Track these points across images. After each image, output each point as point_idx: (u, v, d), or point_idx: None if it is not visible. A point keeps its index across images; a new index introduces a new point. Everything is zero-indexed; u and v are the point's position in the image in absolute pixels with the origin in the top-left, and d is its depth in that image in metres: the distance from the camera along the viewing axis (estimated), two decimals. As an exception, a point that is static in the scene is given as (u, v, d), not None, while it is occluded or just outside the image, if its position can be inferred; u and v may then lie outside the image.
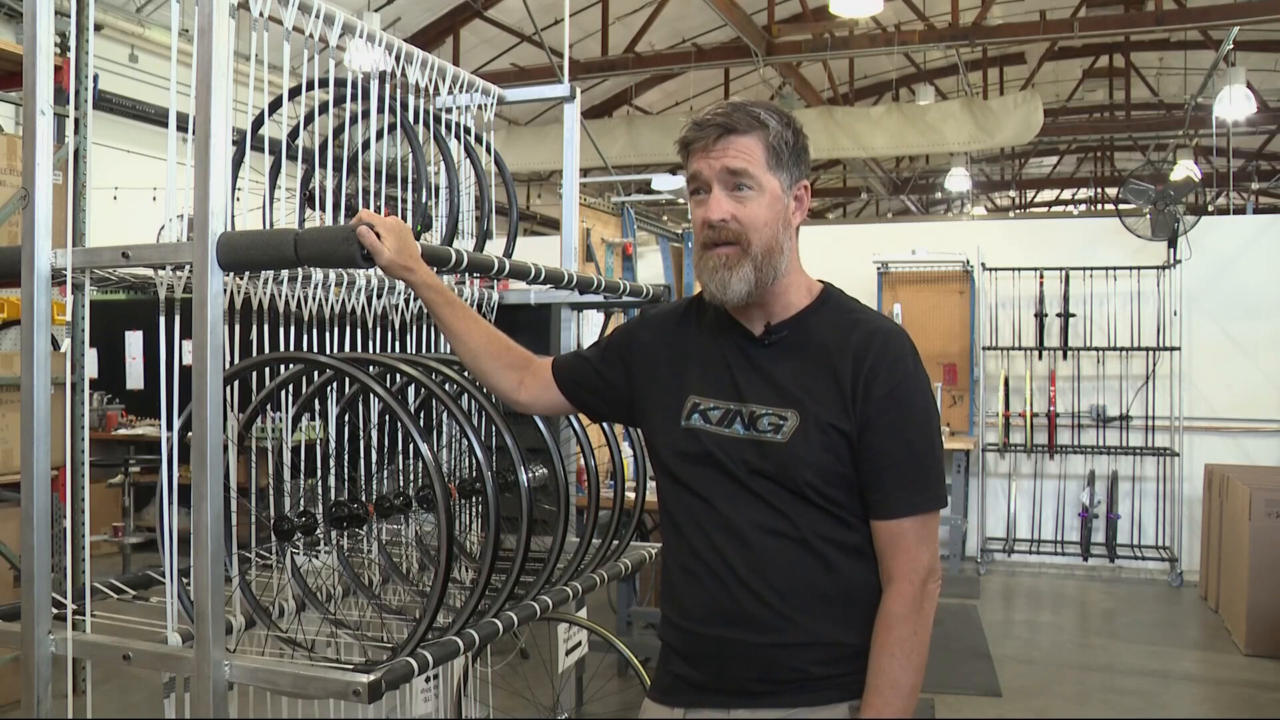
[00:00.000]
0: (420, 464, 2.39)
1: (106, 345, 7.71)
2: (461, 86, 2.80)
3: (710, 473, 1.64)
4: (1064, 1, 10.69)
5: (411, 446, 2.35)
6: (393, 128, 2.51)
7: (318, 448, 2.23)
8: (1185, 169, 10.29)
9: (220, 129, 1.76)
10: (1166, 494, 7.31)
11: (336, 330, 2.36)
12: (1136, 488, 7.40)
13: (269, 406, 2.20)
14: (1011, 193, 18.42)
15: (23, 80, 1.97)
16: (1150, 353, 7.27)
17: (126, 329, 7.84)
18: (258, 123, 2.38)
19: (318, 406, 2.28)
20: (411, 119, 2.52)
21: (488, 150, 2.91)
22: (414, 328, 2.64)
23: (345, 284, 2.37)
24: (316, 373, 2.21)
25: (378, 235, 1.76)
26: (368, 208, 2.37)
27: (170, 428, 1.93)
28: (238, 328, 2.08)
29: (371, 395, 2.30)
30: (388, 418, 2.39)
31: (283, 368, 2.18)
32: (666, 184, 6.26)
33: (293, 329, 2.23)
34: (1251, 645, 5.30)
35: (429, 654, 1.87)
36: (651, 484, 2.01)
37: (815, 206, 20.47)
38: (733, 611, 1.61)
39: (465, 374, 2.22)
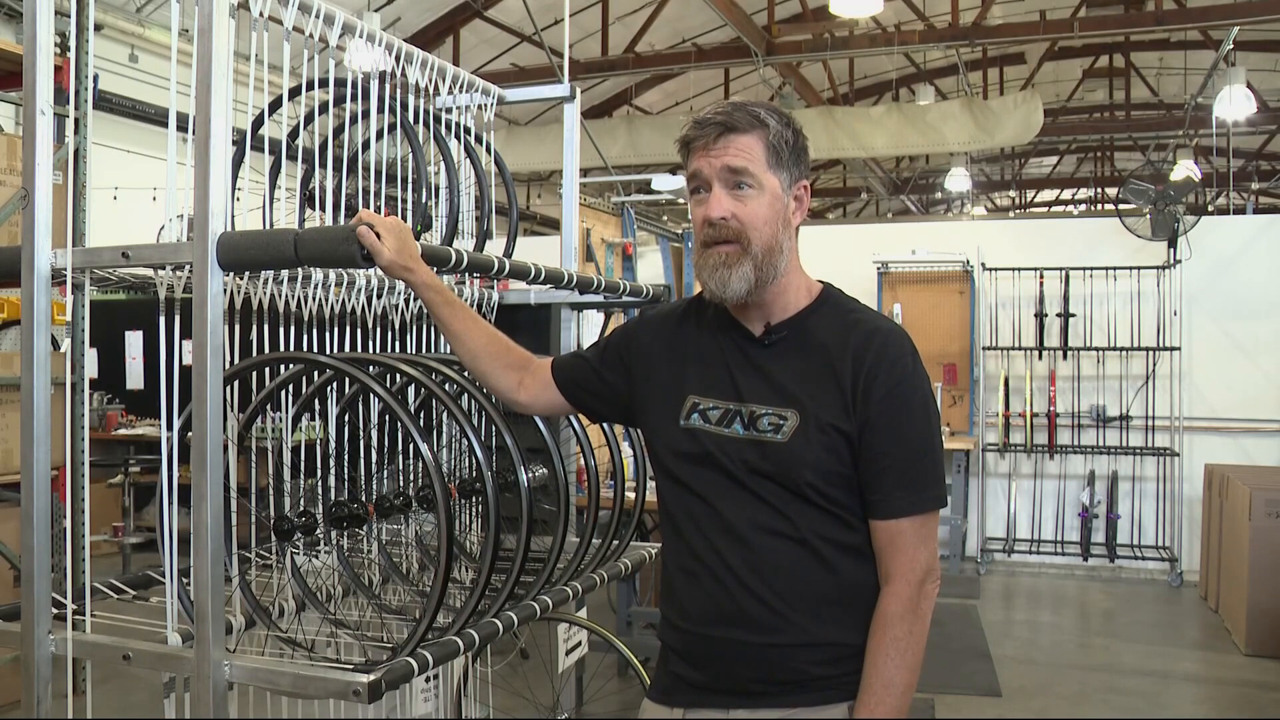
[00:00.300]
0: (420, 464, 2.39)
1: (106, 345, 7.71)
2: (461, 86, 2.80)
3: (709, 473, 1.64)
4: (1064, 1, 10.69)
5: (411, 446, 2.35)
6: (393, 128, 2.51)
7: (318, 448, 2.23)
8: (1185, 169, 10.30)
9: (220, 129, 1.76)
10: (1166, 494, 7.31)
11: (336, 330, 2.36)
12: (1136, 488, 7.40)
13: (269, 406, 2.20)
14: (1011, 193, 18.42)
15: (23, 80, 1.96)
16: (1150, 353, 7.27)
17: (126, 329, 7.84)
18: (258, 123, 2.38)
19: (318, 406, 2.28)
20: (411, 119, 2.51)
21: (488, 150, 2.91)
22: (414, 328, 2.64)
23: (345, 284, 2.37)
24: (316, 373, 2.21)
25: (377, 235, 1.76)
26: (368, 208, 2.37)
27: (170, 428, 1.93)
28: (238, 328, 2.08)
29: (371, 395, 2.30)
30: (388, 418, 2.39)
31: (283, 368, 2.18)
32: (666, 184, 6.26)
33: (293, 329, 2.23)
34: (1251, 645, 5.30)
35: (429, 654, 1.87)
36: (651, 484, 2.01)
37: (815, 206, 20.47)
38: (732, 612, 1.61)
39: (465, 374, 2.22)
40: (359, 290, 2.41)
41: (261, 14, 2.10)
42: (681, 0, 10.44)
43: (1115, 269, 7.27)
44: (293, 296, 2.22)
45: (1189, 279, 7.13)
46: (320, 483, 2.22)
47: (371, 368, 2.09)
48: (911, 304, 7.66)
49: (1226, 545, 5.97)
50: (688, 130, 1.64)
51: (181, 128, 1.88)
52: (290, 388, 2.24)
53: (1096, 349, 7.35)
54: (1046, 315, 7.35)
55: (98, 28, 7.99)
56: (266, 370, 2.16)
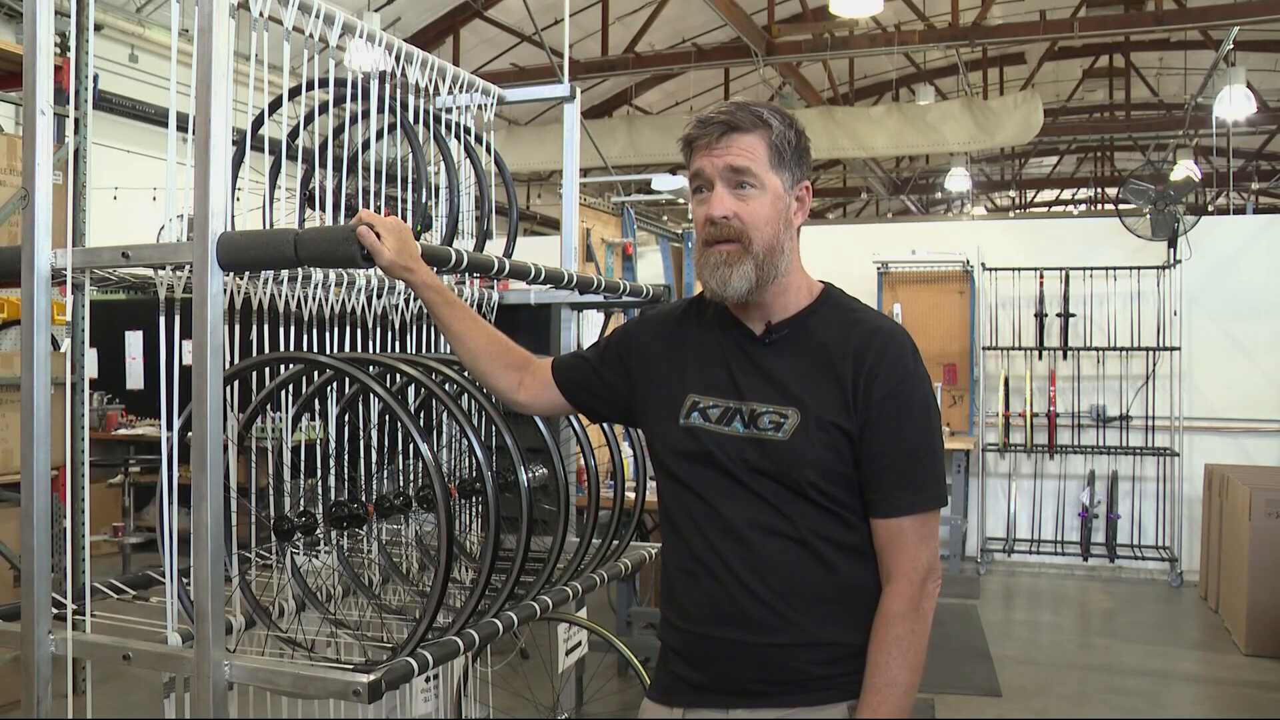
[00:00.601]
0: (420, 464, 2.39)
1: (106, 345, 7.71)
2: (461, 86, 2.80)
3: (709, 472, 1.64)
4: (1064, 1, 10.69)
5: (411, 446, 2.35)
6: (393, 128, 2.51)
7: (318, 448, 2.23)
8: (1185, 169, 10.30)
9: (220, 129, 1.76)
10: (1166, 494, 7.31)
11: (336, 330, 2.35)
12: (1136, 488, 7.40)
13: (269, 406, 2.20)
14: (1011, 193, 18.42)
15: (23, 80, 1.96)
16: (1150, 353, 7.27)
17: (126, 329, 7.85)
18: (258, 123, 2.38)
19: (318, 406, 2.28)
20: (411, 119, 2.51)
21: (488, 150, 2.91)
22: (414, 328, 2.64)
23: (345, 284, 2.37)
24: (316, 373, 2.21)
25: (378, 235, 1.76)
26: (368, 208, 2.37)
27: (170, 428, 1.93)
28: (238, 328, 2.08)
29: (371, 395, 2.30)
30: (388, 418, 2.39)
31: (283, 368, 2.18)
32: (666, 184, 6.26)
33: (293, 329, 2.23)
34: (1251, 645, 5.30)
35: (429, 654, 1.87)
36: (652, 484, 2.01)
37: (815, 206, 20.43)
38: (731, 612, 1.61)
39: (465, 374, 2.22)
40: (359, 290, 2.41)
41: (261, 14, 2.10)
42: (681, 0, 10.44)
43: (1115, 269, 7.27)
44: (293, 296, 2.22)
45: (1189, 279, 7.13)
46: (320, 483, 2.22)
47: (371, 368, 2.09)
48: (911, 304, 7.66)
49: (1226, 545, 5.97)
50: (691, 129, 1.64)
51: (181, 128, 1.88)
52: (290, 388, 2.23)
53: (1096, 349, 7.35)
54: (1046, 315, 7.35)
55: (98, 28, 7.99)
56: (266, 370, 2.16)
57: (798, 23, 10.12)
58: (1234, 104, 9.84)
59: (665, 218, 7.45)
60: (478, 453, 2.07)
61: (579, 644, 2.99)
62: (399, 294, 2.55)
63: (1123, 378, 7.40)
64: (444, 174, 2.63)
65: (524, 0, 6.54)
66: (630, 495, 2.70)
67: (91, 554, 2.56)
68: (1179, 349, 7.17)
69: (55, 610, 1.98)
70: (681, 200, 6.57)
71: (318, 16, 2.24)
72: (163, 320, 1.94)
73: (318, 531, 2.18)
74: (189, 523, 1.77)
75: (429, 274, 1.85)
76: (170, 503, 1.90)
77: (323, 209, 2.42)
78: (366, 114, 2.45)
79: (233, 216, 2.08)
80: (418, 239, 1.96)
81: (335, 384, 2.30)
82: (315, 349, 2.27)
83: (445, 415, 2.50)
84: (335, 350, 2.36)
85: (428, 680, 2.56)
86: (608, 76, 11.22)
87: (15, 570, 4.00)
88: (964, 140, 10.28)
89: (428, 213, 2.60)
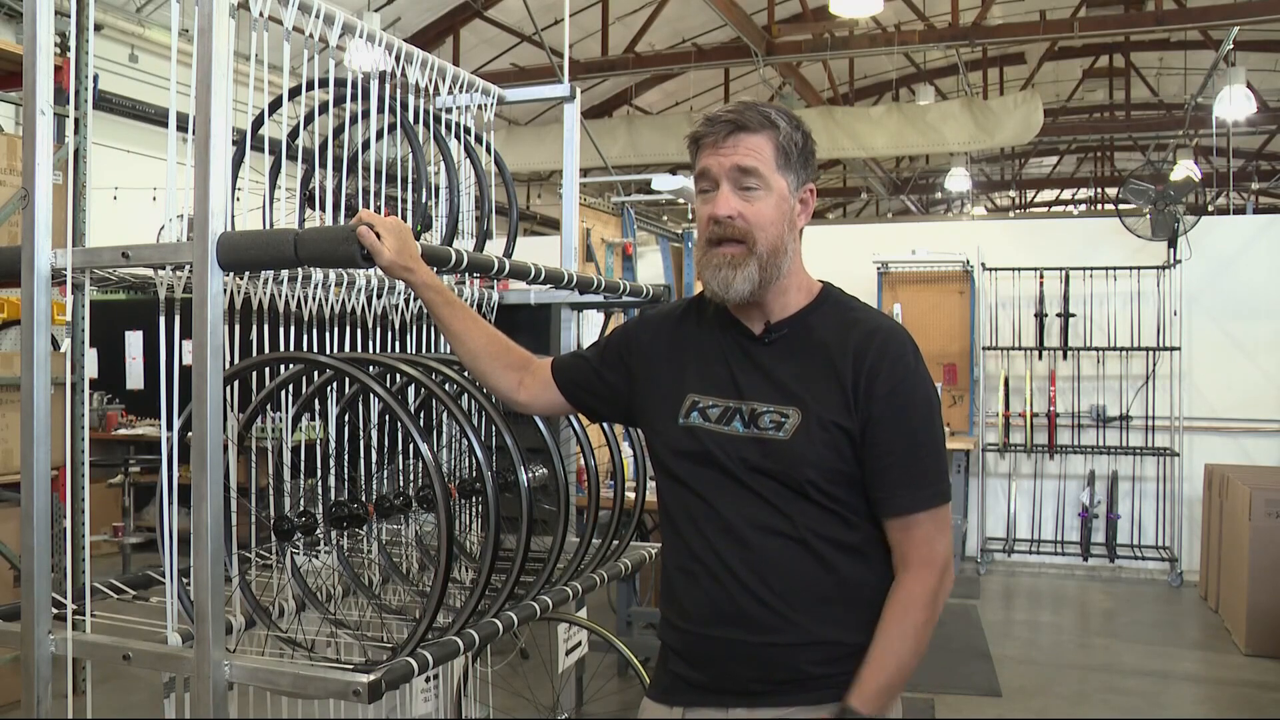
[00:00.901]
0: (420, 464, 2.39)
1: (106, 345, 7.71)
2: (461, 86, 2.80)
3: (709, 471, 1.64)
4: (1064, 1, 10.69)
5: (411, 446, 2.35)
6: (393, 128, 2.51)
7: (318, 448, 2.23)
8: (1185, 169, 10.30)
9: (220, 129, 1.76)
10: (1166, 494, 7.31)
11: (336, 330, 2.36)
12: (1136, 488, 7.40)
13: (269, 406, 2.20)
14: (1011, 193, 18.42)
15: (23, 80, 1.96)
16: (1150, 353, 7.27)
17: (126, 329, 7.84)
18: (258, 123, 2.38)
19: (318, 406, 2.28)
20: (411, 119, 2.51)
21: (488, 150, 2.91)
22: (414, 328, 2.64)
23: (345, 284, 2.37)
24: (316, 373, 2.21)
25: (377, 235, 1.76)
26: (368, 208, 2.37)
27: (170, 428, 1.93)
28: (238, 328, 2.08)
29: (371, 395, 2.30)
30: (388, 418, 2.39)
31: (283, 368, 2.18)
32: (666, 184, 6.26)
33: (293, 329, 2.23)
34: (1251, 645, 5.30)
35: (429, 654, 1.87)
36: (652, 484, 2.01)
37: (815, 206, 20.43)
38: (731, 612, 1.61)
39: (465, 374, 2.22)
40: (359, 290, 2.41)
41: (261, 14, 2.10)
42: (681, 0, 10.44)
43: (1115, 269, 7.27)
44: (293, 296, 2.22)
45: (1189, 279, 7.13)
46: (320, 483, 2.22)
47: (371, 368, 2.09)
48: (911, 304, 7.65)
49: (1226, 545, 5.97)
50: (698, 127, 1.64)
51: (181, 128, 1.88)
52: (290, 388, 2.23)
53: (1096, 349, 7.35)
54: (1046, 315, 7.35)
55: (98, 28, 7.99)
56: (266, 370, 2.16)
57: (798, 23, 10.12)
58: (1234, 104, 9.84)
59: (665, 218, 7.45)
60: (478, 453, 2.07)
61: (579, 644, 2.99)
62: (399, 294, 2.55)
63: (1123, 378, 7.40)
64: (444, 174, 2.63)
65: (524, 0, 6.54)
66: (630, 495, 2.70)
67: (91, 554, 2.56)
68: (1179, 349, 7.17)
69: (55, 610, 1.98)
70: (681, 200, 6.57)
71: (318, 16, 2.24)
72: (163, 320, 1.94)
73: (318, 531, 2.18)
74: (189, 523, 1.77)
75: (429, 274, 1.85)
76: (170, 503, 1.90)
77: (323, 209, 2.42)
78: (366, 114, 2.45)
79: (233, 216, 2.08)
80: (418, 239, 1.96)
81: (335, 384, 2.30)
82: (315, 349, 2.27)
83: (445, 415, 2.50)
84: (335, 350, 2.36)
85: (428, 680, 2.56)
86: (608, 76, 11.22)
87: (15, 570, 4.00)
88: (964, 140, 10.27)
89: (428, 213, 2.60)
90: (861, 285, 7.62)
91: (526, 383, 1.89)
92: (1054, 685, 4.85)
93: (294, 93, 2.36)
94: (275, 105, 2.38)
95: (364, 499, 2.31)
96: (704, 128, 1.63)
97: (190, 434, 1.79)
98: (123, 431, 7.35)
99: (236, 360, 2.08)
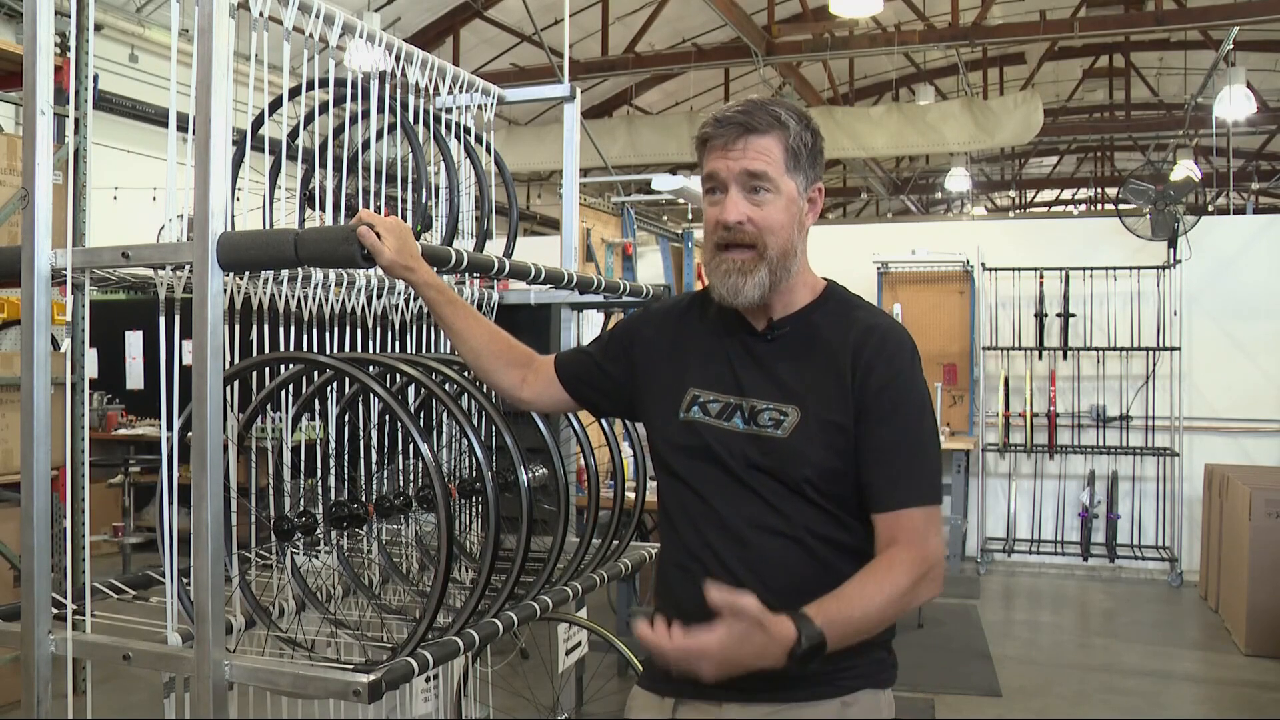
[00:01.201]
0: (420, 464, 2.39)
1: (106, 345, 7.71)
2: (461, 86, 2.80)
3: (707, 467, 1.64)
4: (1064, 1, 10.69)
5: (411, 446, 2.35)
6: (393, 128, 2.51)
7: (318, 448, 2.23)
8: (1185, 169, 10.30)
9: (220, 129, 1.76)
10: (1166, 494, 7.31)
11: (336, 330, 2.36)
12: (1136, 488, 7.40)
13: (269, 406, 2.20)
14: (1011, 193, 18.42)
15: (23, 80, 1.97)
16: (1150, 353, 7.27)
17: (126, 329, 7.84)
18: (258, 123, 2.38)
19: (318, 406, 2.28)
20: (411, 119, 2.51)
21: (488, 150, 2.91)
22: (414, 328, 2.64)
23: (345, 284, 2.37)
24: (316, 373, 2.21)
25: (378, 235, 1.76)
26: (368, 208, 2.37)
27: (170, 428, 1.93)
28: (238, 328, 2.08)
29: (371, 395, 2.30)
30: (388, 418, 2.39)
31: (283, 368, 2.18)
32: (666, 184, 6.26)
33: (293, 329, 2.23)
34: (1251, 645, 5.29)
35: (429, 654, 1.87)
36: (652, 484, 2.01)
37: (815, 206, 20.45)
38: None
39: (465, 374, 2.22)
40: (359, 290, 2.41)
41: (261, 14, 2.10)
42: (681, 0, 10.44)
43: (1115, 269, 7.27)
44: (293, 296, 2.22)
45: (1189, 279, 7.13)
46: (320, 483, 2.22)
47: (371, 368, 2.09)
48: (911, 304, 7.65)
49: (1226, 545, 5.97)
50: (706, 128, 1.62)
51: (181, 128, 1.88)
52: (290, 388, 2.24)
53: (1096, 349, 7.35)
54: (1046, 315, 7.35)
55: (98, 28, 7.98)
56: (266, 370, 2.16)
57: (798, 23, 10.12)
58: (1234, 104, 9.84)
59: (665, 218, 7.45)
60: (478, 453, 2.07)
61: (579, 644, 2.99)
62: (399, 294, 2.55)
63: (1123, 378, 7.40)
64: (444, 174, 2.63)
65: (524, 0, 6.54)
66: (630, 495, 2.70)
67: (91, 554, 2.55)
68: (1179, 349, 7.18)
69: (55, 610, 1.98)
70: (681, 200, 6.57)
71: (318, 16, 2.24)
72: (163, 320, 1.94)
73: (318, 531, 2.18)
74: (189, 523, 1.77)
75: (430, 273, 1.84)
76: (170, 503, 1.90)
77: (323, 209, 2.42)
78: (366, 114, 2.45)
79: (233, 216, 2.08)
80: (418, 239, 1.96)
81: (335, 384, 2.30)
82: (315, 349, 2.27)
83: (445, 415, 2.50)
84: (335, 350, 2.36)
85: (428, 680, 2.56)
86: (608, 76, 11.22)
87: (15, 570, 4.00)
88: (964, 140, 10.27)
89: (428, 213, 2.60)
90: (861, 285, 7.61)
91: (530, 380, 1.89)
92: (1054, 685, 4.85)
93: (294, 93, 2.36)
94: (275, 105, 2.38)
95: (364, 499, 2.31)
96: (712, 129, 1.61)
97: (190, 434, 1.79)
98: (123, 431, 7.35)
99: (236, 360, 2.08)
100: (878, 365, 1.58)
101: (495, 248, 2.81)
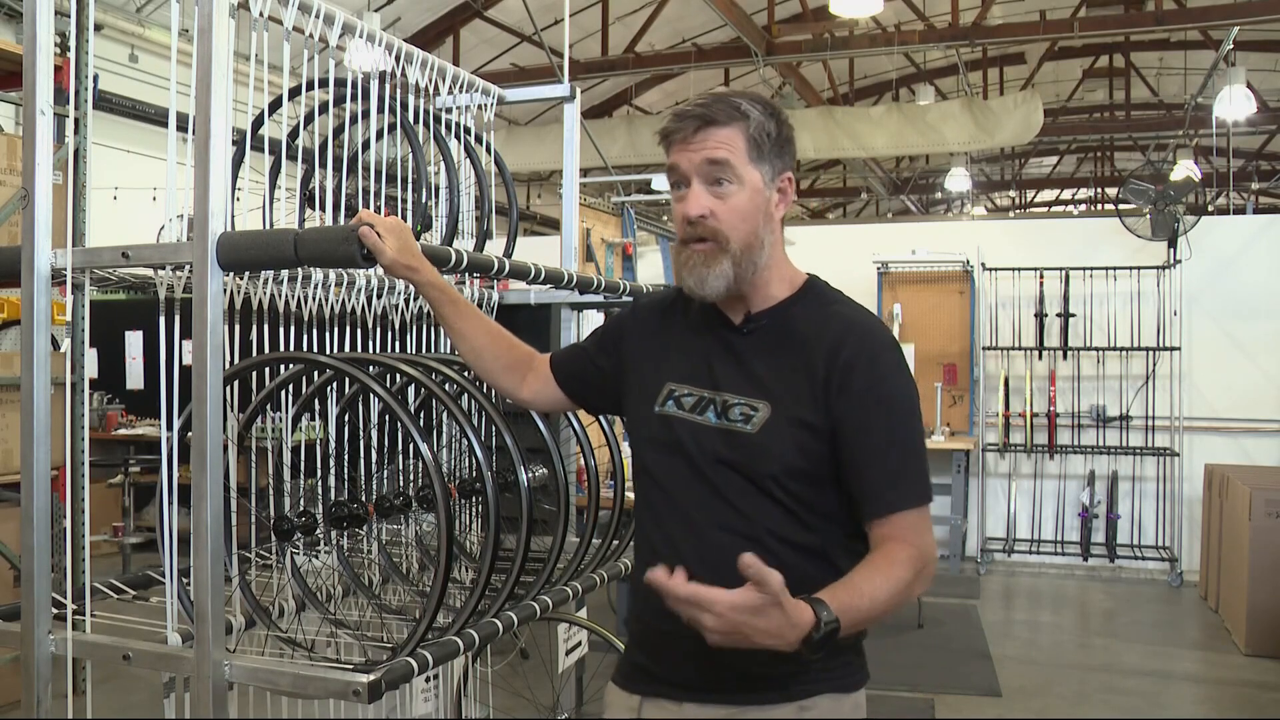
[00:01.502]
0: (420, 464, 2.39)
1: (106, 345, 7.71)
2: (461, 86, 2.80)
3: (676, 461, 1.63)
4: (1064, 1, 10.68)
5: (411, 446, 2.35)
6: (393, 128, 2.51)
7: (318, 448, 2.23)
8: (1185, 169, 10.30)
9: (220, 129, 1.76)
10: (1166, 494, 7.31)
11: (336, 330, 2.36)
12: (1136, 488, 7.40)
13: (269, 406, 2.20)
14: (1011, 193, 18.41)
15: (23, 80, 1.97)
16: (1150, 353, 7.27)
17: (126, 329, 7.84)
18: (258, 123, 2.38)
19: (318, 406, 2.28)
20: (411, 119, 2.51)
21: (488, 150, 2.91)
22: (414, 328, 2.64)
23: (345, 284, 2.37)
24: (316, 373, 2.21)
25: (378, 235, 1.76)
26: (368, 208, 2.37)
27: (170, 428, 1.93)
28: (238, 328, 2.08)
29: (371, 395, 2.30)
30: (388, 418, 2.40)
31: (283, 368, 2.18)
32: (666, 184, 6.27)
33: (293, 329, 2.23)
34: (1251, 645, 5.29)
35: (429, 654, 1.87)
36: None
37: (815, 207, 20.48)
38: None
39: (465, 374, 2.22)
40: (359, 290, 2.41)
41: (261, 14, 2.10)
42: (681, 0, 10.44)
43: (1115, 269, 7.27)
44: (293, 296, 2.22)
45: (1189, 279, 7.13)
46: (320, 483, 2.22)
47: (371, 368, 2.09)
48: (911, 304, 7.66)
49: (1226, 545, 5.97)
50: (667, 123, 1.62)
51: (181, 128, 1.88)
52: (290, 388, 2.24)
53: (1096, 349, 7.35)
54: (1046, 315, 7.35)
55: (98, 28, 7.98)
56: (266, 370, 2.16)
57: (798, 23, 10.12)
58: (1234, 104, 9.84)
59: (665, 218, 7.45)
60: (478, 453, 2.07)
61: (579, 644, 2.99)
62: (399, 294, 2.55)
63: (1123, 378, 7.40)
64: (444, 174, 2.63)
65: (524, 0, 6.54)
66: (630, 495, 2.70)
67: (91, 554, 2.55)
68: (1179, 349, 7.17)
69: (55, 610, 1.98)
70: (681, 200, 6.56)
71: (318, 16, 2.24)
72: (163, 320, 1.94)
73: (318, 531, 2.18)
74: (189, 523, 1.77)
75: (433, 273, 1.84)
76: (170, 503, 1.90)
77: (323, 209, 2.42)
78: (366, 114, 2.45)
79: (233, 216, 2.08)
80: (418, 239, 1.96)
81: (335, 384, 2.30)
82: (315, 349, 2.27)
83: (445, 415, 2.50)
84: (335, 350, 2.36)
85: (428, 680, 2.56)
86: (608, 76, 11.22)
87: (15, 570, 4.00)
88: (964, 140, 10.27)
89: (428, 213, 2.60)
90: (861, 285, 7.63)
91: (529, 380, 1.89)
92: (1054, 685, 4.84)
93: (294, 93, 2.36)
94: (275, 105, 2.38)
95: (364, 499, 2.31)
96: (672, 124, 1.60)
97: (190, 434, 1.79)
98: (123, 431, 7.35)
99: (236, 360, 2.08)
100: (859, 365, 1.56)
101: (495, 248, 2.81)
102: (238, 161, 2.34)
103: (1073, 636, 5.77)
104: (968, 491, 7.39)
